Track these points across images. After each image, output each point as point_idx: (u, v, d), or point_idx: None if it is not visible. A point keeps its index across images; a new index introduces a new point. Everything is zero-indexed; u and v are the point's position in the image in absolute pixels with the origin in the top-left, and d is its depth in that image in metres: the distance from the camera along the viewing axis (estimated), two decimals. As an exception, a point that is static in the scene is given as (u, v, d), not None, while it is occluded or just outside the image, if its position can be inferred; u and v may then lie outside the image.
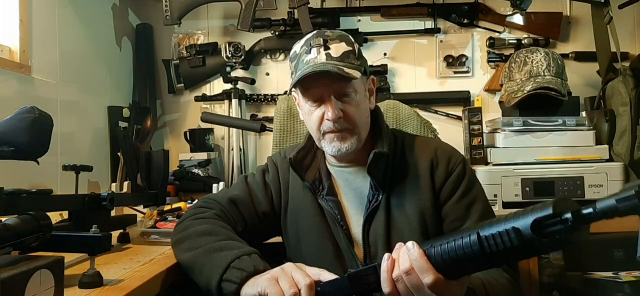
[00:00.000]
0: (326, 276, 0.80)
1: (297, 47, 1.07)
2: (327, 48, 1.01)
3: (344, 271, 1.01)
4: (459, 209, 1.03)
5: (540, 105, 1.76)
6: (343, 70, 0.97)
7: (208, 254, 0.92)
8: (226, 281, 0.85)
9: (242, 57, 2.19)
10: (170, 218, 1.35)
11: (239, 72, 2.26)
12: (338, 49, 1.01)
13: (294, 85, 1.03)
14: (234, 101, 2.18)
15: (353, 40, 1.06)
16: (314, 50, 1.01)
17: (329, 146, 1.04)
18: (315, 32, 1.06)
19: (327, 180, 1.11)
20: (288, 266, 0.82)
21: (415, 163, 1.07)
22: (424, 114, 2.06)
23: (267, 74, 2.29)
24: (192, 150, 2.18)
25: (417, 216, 1.02)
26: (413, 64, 2.26)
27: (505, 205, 1.68)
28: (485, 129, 1.91)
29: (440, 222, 1.05)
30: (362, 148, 1.08)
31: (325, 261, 1.01)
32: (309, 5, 1.99)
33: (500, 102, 1.96)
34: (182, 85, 2.27)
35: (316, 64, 0.99)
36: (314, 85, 1.01)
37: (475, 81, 2.23)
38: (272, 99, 2.23)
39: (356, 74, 0.99)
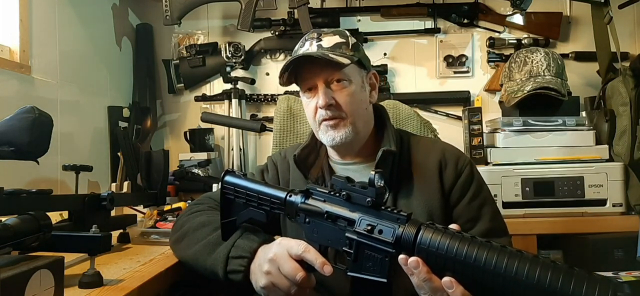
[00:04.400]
0: (309, 256, 0.80)
1: (297, 45, 1.09)
2: (319, 40, 1.03)
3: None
4: (471, 211, 1.04)
5: (540, 105, 1.76)
6: (327, 55, 0.99)
7: (206, 248, 0.93)
8: (231, 273, 0.89)
9: (242, 57, 2.19)
10: (170, 218, 1.35)
11: (239, 72, 2.26)
12: (330, 41, 1.03)
13: (288, 76, 1.05)
14: (234, 101, 2.18)
15: (349, 34, 1.08)
16: (307, 43, 1.05)
17: (325, 136, 1.05)
18: (313, 29, 1.09)
19: (330, 179, 1.10)
20: (277, 257, 0.83)
21: (422, 162, 1.07)
22: (424, 114, 2.06)
23: (267, 74, 2.29)
24: (192, 150, 2.18)
25: (425, 215, 1.01)
26: (413, 64, 2.26)
27: (505, 205, 1.68)
28: (485, 129, 1.91)
29: (447, 222, 1.05)
30: (365, 145, 1.08)
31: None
32: (309, 5, 1.99)
33: (500, 102, 1.96)
34: (182, 85, 2.27)
35: (305, 53, 1.02)
36: (306, 74, 1.04)
37: (475, 81, 2.23)
38: (272, 99, 2.23)
39: (344, 60, 0.99)
